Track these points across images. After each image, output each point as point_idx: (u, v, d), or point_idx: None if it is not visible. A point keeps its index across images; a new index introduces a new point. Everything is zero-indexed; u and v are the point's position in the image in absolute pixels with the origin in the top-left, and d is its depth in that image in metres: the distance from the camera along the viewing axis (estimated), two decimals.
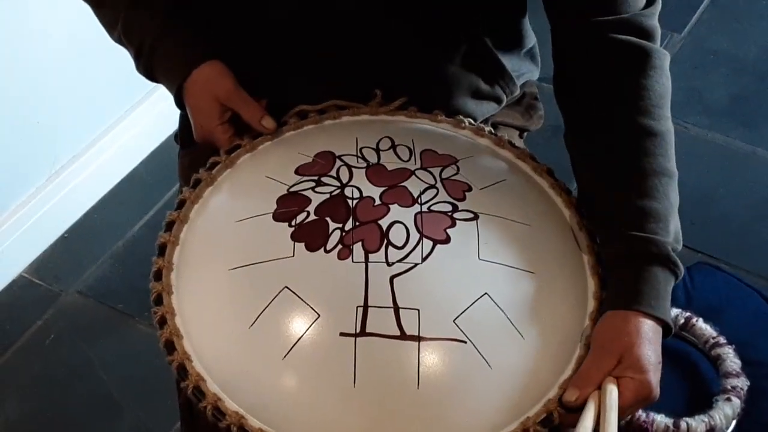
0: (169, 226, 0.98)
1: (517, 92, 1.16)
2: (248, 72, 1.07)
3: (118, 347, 1.70)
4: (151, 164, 1.98)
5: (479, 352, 0.87)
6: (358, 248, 0.91)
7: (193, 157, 1.12)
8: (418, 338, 0.87)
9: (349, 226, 0.92)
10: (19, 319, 1.74)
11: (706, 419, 1.29)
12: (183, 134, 1.19)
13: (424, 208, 0.95)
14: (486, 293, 0.90)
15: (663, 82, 1.00)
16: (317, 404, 0.86)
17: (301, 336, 0.87)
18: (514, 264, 0.93)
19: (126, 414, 1.62)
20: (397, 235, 0.92)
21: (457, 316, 0.88)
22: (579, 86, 1.03)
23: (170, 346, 0.90)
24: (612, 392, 0.87)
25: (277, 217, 0.94)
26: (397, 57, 1.06)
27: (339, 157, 0.99)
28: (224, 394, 0.87)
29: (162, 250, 0.96)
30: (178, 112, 1.19)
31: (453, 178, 0.98)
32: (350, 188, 0.96)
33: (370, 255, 0.91)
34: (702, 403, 1.32)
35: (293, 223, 0.93)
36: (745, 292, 1.54)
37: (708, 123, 2.09)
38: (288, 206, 0.95)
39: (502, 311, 0.90)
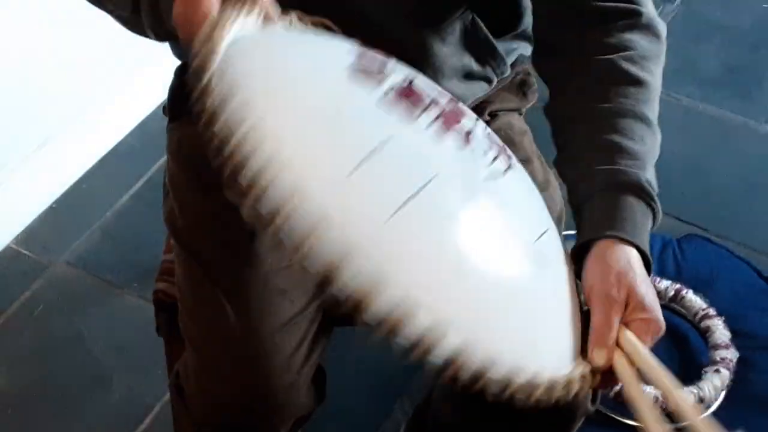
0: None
1: (508, 72, 1.15)
2: None
3: (107, 318, 1.70)
4: (139, 135, 1.97)
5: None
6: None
7: (182, 134, 1.11)
8: None
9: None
10: (7, 290, 1.73)
11: (695, 390, 1.30)
12: (172, 106, 1.18)
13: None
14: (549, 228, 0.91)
15: (651, 40, 0.99)
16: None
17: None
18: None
19: (115, 385, 1.61)
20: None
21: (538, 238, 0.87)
22: (564, 45, 1.01)
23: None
24: (633, 339, 0.83)
25: None
26: (387, 36, 1.04)
27: None
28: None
29: None
30: (167, 83, 1.18)
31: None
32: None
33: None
34: (691, 375, 1.33)
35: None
36: (735, 263, 1.54)
37: (700, 94, 2.08)
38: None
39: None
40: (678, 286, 1.43)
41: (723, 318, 1.39)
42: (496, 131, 1.11)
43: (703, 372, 1.32)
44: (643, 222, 0.91)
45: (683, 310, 1.41)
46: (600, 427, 1.32)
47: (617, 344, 0.83)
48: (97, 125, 1.91)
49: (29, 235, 1.82)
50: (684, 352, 1.38)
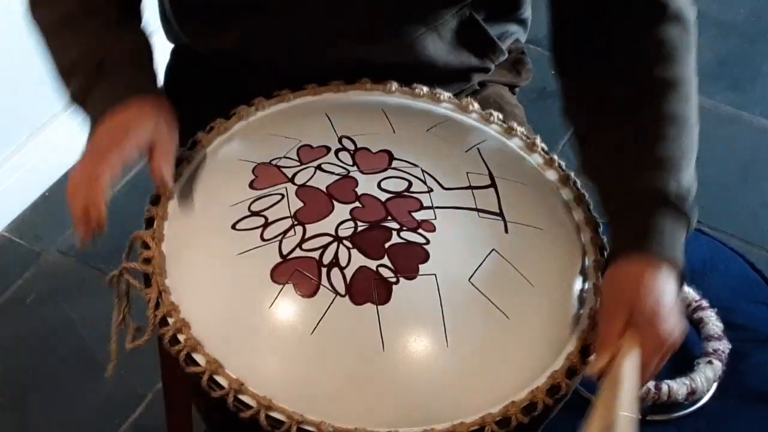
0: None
1: (505, 57, 1.14)
2: (223, 45, 1.05)
3: (99, 306, 1.68)
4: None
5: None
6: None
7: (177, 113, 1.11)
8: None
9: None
10: (0, 278, 1.73)
11: (688, 382, 1.30)
12: (167, 86, 1.17)
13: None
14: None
15: (680, 30, 0.98)
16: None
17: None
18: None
19: (107, 372, 1.61)
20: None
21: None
22: (587, 43, 0.98)
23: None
24: (626, 361, 0.85)
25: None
26: (380, 38, 1.04)
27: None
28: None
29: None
30: (161, 72, 1.18)
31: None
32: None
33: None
34: (684, 366, 1.33)
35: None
36: (729, 255, 1.54)
37: None
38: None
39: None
40: None
41: (716, 310, 1.38)
42: (486, 98, 1.11)
43: (695, 363, 1.32)
44: (671, 233, 0.90)
45: None
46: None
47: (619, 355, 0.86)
48: None
49: (21, 224, 1.82)
50: None
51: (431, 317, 0.87)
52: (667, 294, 0.88)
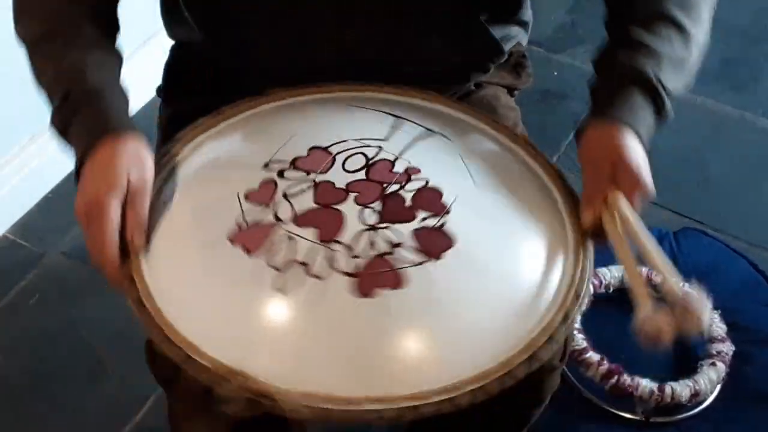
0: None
1: (504, 57, 1.14)
2: (221, 42, 1.06)
3: (102, 308, 1.69)
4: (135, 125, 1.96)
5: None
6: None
7: (174, 110, 1.12)
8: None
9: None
10: (3, 280, 1.73)
11: (691, 384, 1.30)
12: (166, 85, 1.18)
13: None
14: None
15: None
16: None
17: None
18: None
19: (110, 374, 1.61)
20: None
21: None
22: None
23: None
24: (619, 196, 0.89)
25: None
26: (380, 31, 1.04)
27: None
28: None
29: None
30: (161, 73, 1.18)
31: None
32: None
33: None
34: (687, 368, 1.33)
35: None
36: (732, 257, 1.55)
37: (698, 87, 2.07)
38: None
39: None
40: None
41: (719, 311, 1.39)
42: (480, 99, 1.11)
43: (698, 365, 1.33)
44: (641, 109, 0.94)
45: None
46: (595, 420, 1.32)
47: (607, 206, 0.89)
48: None
49: (25, 225, 1.82)
50: (680, 345, 1.38)
51: (481, 233, 0.91)
52: (641, 151, 0.91)
